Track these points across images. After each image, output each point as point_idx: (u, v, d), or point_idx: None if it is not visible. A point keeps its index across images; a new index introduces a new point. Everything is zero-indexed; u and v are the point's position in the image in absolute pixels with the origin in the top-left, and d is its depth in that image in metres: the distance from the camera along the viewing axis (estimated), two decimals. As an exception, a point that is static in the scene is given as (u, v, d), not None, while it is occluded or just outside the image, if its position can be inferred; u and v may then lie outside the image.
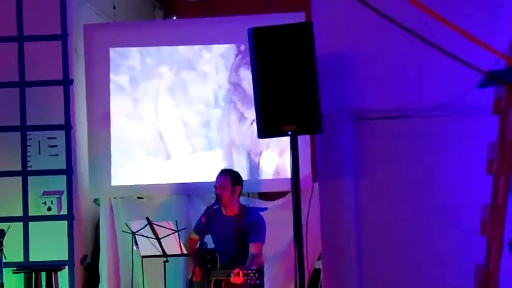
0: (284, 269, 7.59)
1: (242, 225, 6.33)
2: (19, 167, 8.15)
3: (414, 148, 5.61)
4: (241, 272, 5.92)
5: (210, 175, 7.28)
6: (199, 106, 8.24)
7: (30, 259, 8.05)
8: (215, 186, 6.46)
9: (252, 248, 6.25)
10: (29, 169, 8.15)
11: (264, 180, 8.23)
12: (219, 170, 6.61)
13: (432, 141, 5.59)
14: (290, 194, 5.71)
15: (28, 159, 8.14)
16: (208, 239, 6.52)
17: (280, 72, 5.34)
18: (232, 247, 6.30)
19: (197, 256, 6.22)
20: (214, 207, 6.36)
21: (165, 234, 7.16)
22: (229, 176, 6.45)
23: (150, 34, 8.44)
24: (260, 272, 6.08)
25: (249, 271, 5.91)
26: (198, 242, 6.29)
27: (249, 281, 5.90)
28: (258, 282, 5.98)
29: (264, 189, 8.44)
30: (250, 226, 6.32)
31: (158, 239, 7.16)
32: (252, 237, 6.28)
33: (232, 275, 5.97)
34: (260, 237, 6.32)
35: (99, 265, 8.38)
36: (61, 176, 8.16)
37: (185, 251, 7.26)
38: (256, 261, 6.12)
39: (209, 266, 6.19)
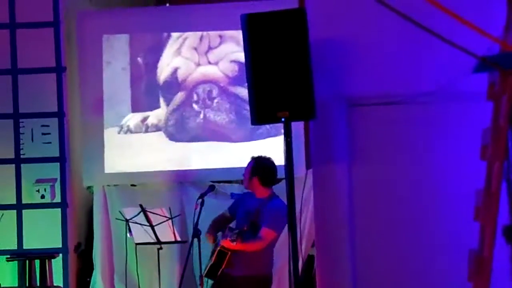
0: (281, 255, 7.59)
1: (266, 206, 6.13)
2: (12, 155, 8.14)
3: (408, 134, 5.59)
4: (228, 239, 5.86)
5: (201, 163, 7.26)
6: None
7: (24, 247, 8.05)
8: None
9: (262, 231, 6.02)
10: (22, 156, 8.14)
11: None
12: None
13: (426, 127, 5.57)
14: (283, 180, 5.69)
15: (21, 146, 8.13)
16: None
17: (273, 58, 5.32)
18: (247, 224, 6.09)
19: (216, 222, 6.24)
20: (208, 193, 6.25)
21: (159, 221, 7.16)
22: (250, 164, 6.28)
23: (143, 21, 8.42)
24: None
25: (233, 233, 5.87)
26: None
27: (231, 241, 5.81)
28: (236, 243, 5.83)
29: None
30: (271, 210, 6.08)
31: (152, 226, 7.17)
32: (268, 221, 6.02)
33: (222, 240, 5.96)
34: (277, 226, 6.05)
35: (93, 253, 8.38)
36: (55, 164, 8.16)
37: (178, 238, 7.26)
38: (258, 244, 6.02)
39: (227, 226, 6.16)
